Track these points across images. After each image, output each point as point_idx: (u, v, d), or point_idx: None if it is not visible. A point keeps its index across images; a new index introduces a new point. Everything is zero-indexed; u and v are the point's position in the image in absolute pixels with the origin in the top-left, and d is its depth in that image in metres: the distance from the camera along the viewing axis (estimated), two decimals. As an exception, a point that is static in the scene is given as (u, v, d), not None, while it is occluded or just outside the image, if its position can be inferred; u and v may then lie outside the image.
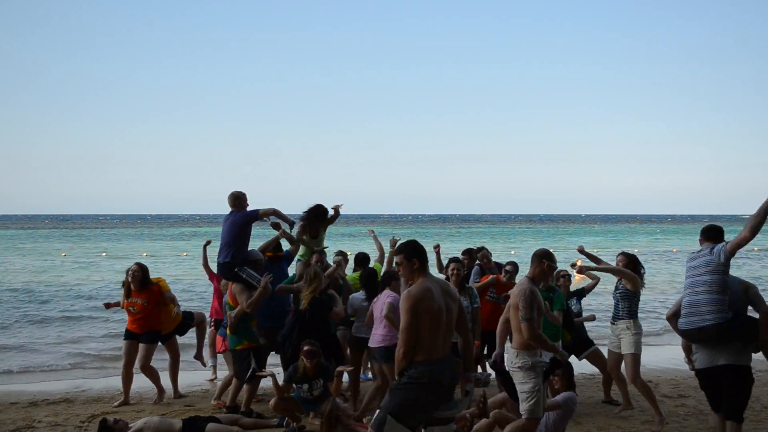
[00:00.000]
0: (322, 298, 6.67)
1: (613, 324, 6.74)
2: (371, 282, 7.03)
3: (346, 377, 7.41)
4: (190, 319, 7.93)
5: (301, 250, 7.73)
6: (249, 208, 7.06)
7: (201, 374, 8.84)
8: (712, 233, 5.46)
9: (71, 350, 11.22)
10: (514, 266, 7.67)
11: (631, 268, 6.69)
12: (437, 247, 8.12)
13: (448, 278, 6.77)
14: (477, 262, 8.28)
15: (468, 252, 8.42)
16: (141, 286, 7.38)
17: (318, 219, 7.62)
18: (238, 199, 7.05)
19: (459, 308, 4.45)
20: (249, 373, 6.64)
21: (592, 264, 6.92)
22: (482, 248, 8.42)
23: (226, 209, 7.13)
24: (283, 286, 7.03)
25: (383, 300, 6.44)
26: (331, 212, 7.80)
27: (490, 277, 7.55)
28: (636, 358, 6.54)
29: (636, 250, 39.65)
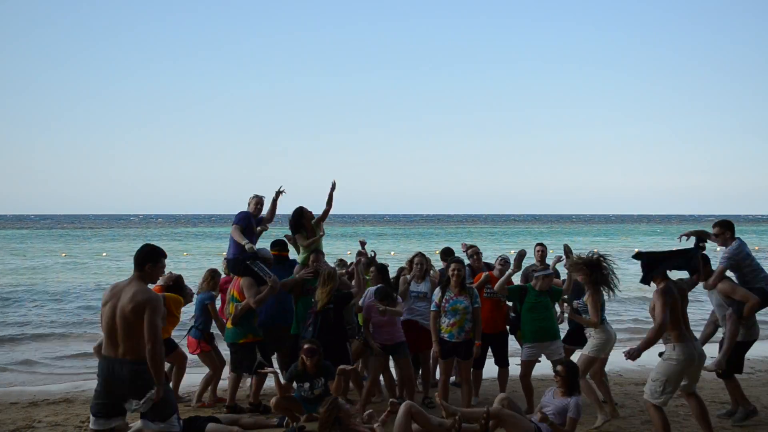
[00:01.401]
0: (343, 293, 6.78)
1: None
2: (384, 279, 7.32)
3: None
4: (170, 348, 7.11)
5: (299, 253, 7.72)
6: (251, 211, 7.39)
7: (200, 375, 8.82)
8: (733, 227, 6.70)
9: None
10: (506, 261, 7.53)
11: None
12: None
13: (449, 278, 6.74)
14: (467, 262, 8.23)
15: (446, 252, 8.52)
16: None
17: (297, 225, 7.58)
18: (253, 202, 7.40)
19: (149, 317, 4.34)
20: (255, 365, 6.76)
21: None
22: (472, 246, 8.31)
23: (229, 209, 7.26)
24: (286, 281, 7.09)
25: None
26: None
27: (484, 275, 7.50)
28: (588, 359, 6.64)
29: (636, 250, 39.63)
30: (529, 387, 7.04)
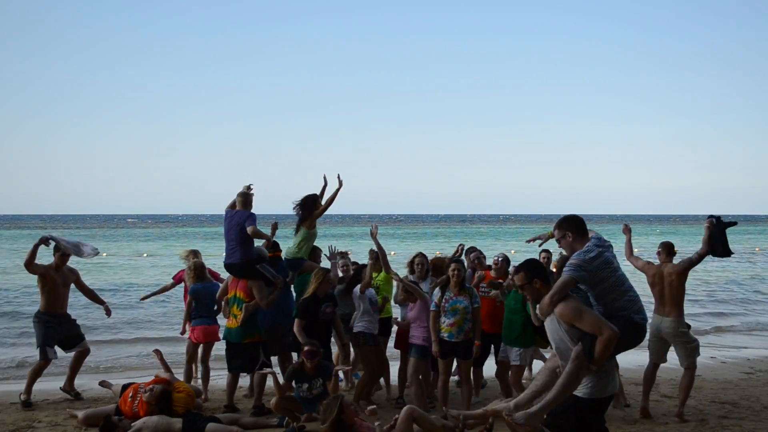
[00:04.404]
0: (317, 297, 6.74)
1: None
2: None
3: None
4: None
5: (302, 249, 7.60)
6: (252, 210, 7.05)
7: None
8: None
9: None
10: (506, 259, 7.38)
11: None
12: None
13: (449, 278, 6.74)
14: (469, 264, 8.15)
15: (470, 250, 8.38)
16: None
17: (309, 207, 7.48)
18: (248, 199, 7.04)
19: None
20: (259, 365, 6.84)
21: None
22: (473, 249, 8.16)
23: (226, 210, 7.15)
24: None
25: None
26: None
27: (479, 274, 7.44)
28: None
29: (636, 250, 39.57)
30: (508, 388, 6.93)
